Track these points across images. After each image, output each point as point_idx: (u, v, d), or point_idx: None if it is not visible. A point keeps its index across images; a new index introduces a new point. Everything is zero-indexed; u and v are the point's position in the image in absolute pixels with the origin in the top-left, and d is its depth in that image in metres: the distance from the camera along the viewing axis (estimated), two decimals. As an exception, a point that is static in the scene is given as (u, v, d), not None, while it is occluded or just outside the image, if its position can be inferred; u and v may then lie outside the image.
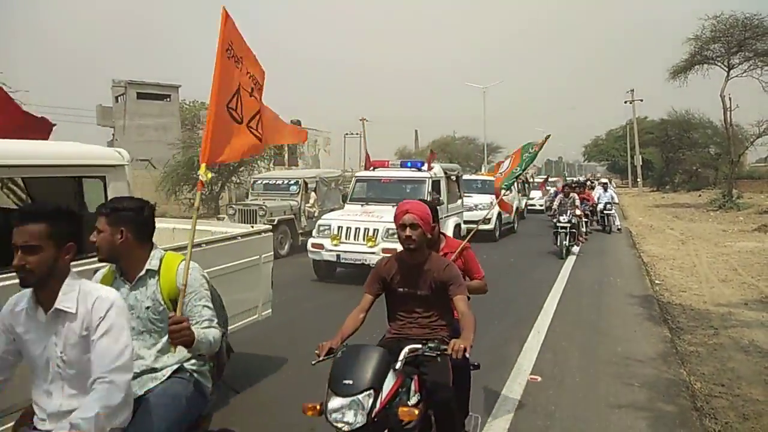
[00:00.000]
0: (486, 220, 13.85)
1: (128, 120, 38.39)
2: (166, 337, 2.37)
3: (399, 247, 3.09)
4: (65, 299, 2.03)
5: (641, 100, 45.90)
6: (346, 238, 9.18)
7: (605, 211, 17.29)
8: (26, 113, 4.51)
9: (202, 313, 2.41)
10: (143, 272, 2.43)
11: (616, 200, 18.75)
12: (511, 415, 4.24)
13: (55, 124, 4.69)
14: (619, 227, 17.69)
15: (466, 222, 12.67)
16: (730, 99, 25.73)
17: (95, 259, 2.49)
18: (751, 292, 8.44)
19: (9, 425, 2.35)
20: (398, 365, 2.61)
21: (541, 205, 23.55)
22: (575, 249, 12.68)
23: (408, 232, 2.93)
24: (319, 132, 58.76)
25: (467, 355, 2.56)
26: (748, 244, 13.28)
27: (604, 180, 21.71)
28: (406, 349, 2.69)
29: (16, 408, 2.46)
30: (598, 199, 17.46)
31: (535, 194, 25.25)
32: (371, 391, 2.40)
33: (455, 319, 3.07)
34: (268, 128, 3.15)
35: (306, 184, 13.96)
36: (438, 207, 3.76)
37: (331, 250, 9.18)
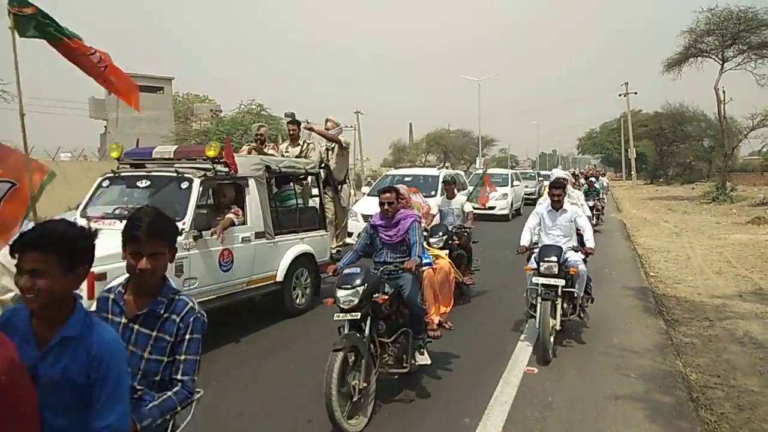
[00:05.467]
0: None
1: (121, 112, 38.00)
2: None
3: None
4: None
5: (635, 93, 46.18)
6: None
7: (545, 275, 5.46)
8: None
9: None
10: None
11: (589, 233, 5.84)
12: (509, 406, 4.24)
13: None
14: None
15: None
16: (723, 92, 25.78)
17: None
18: (746, 284, 8.48)
19: None
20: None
21: (503, 208, 17.47)
22: None
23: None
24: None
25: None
26: (741, 237, 13.35)
27: (560, 173, 11.13)
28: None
29: None
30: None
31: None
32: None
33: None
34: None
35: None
36: None
37: None
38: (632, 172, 47.02)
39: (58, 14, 4.06)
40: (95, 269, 3.94)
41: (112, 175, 6.13)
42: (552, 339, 5.24)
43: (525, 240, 5.96)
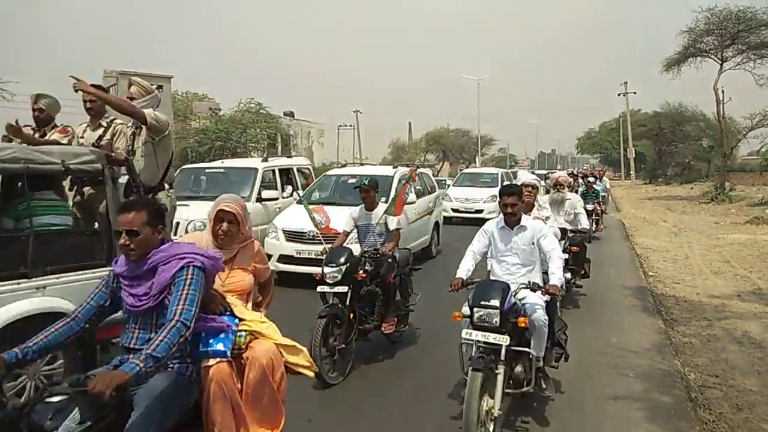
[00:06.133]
0: None
1: (120, 110, 38.03)
2: None
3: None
4: None
5: (635, 93, 46.22)
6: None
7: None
8: None
9: None
10: None
11: (556, 263, 3.99)
12: (507, 406, 4.24)
13: None
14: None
15: None
16: (723, 92, 25.83)
17: None
18: (744, 283, 8.50)
19: None
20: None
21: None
22: None
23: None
24: (313, 124, 58.53)
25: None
26: (740, 237, 13.37)
27: (527, 176, 6.12)
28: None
29: None
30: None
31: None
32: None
33: None
34: None
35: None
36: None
37: None
38: (631, 172, 47.05)
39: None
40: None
41: None
42: (492, 427, 3.48)
43: (462, 270, 4.06)
